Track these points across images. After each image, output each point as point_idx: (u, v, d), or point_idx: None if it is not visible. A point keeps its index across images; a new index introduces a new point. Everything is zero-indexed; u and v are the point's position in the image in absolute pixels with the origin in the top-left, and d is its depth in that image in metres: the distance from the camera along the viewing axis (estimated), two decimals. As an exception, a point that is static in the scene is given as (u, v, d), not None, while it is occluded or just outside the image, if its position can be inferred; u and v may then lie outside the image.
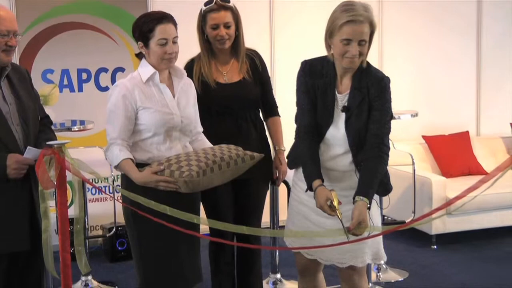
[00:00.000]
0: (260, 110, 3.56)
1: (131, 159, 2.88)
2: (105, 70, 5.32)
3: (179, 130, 2.99)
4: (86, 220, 4.56)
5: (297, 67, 3.00)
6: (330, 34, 2.83)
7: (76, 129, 4.42)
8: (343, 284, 3.12)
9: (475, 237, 5.43)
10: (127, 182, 2.93)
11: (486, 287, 4.44)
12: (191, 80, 3.18)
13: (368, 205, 2.78)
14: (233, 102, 3.34)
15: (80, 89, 5.29)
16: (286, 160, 3.19)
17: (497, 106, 6.44)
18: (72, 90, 5.28)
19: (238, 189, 3.45)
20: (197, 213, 3.08)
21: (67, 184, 2.70)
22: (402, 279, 4.62)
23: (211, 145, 3.10)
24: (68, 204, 2.74)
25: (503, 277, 4.33)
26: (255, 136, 3.46)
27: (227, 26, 3.32)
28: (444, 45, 6.33)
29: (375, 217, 2.97)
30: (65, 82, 5.26)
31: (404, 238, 5.41)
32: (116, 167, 2.89)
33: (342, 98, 2.91)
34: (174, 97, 3.00)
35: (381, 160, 2.87)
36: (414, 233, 5.38)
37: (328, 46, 2.88)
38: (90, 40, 5.25)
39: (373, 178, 2.83)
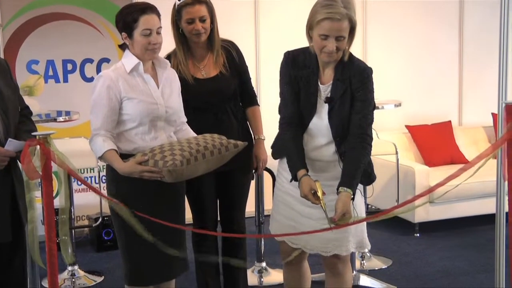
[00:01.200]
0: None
1: (115, 149, 2.87)
2: (90, 60, 5.29)
3: (164, 120, 2.99)
4: (72, 210, 4.55)
5: (281, 58, 3.00)
6: (309, 27, 2.84)
7: (62, 120, 4.40)
8: (328, 272, 3.13)
9: (457, 225, 5.47)
10: (112, 174, 2.92)
11: (468, 273, 4.48)
12: (174, 71, 3.17)
13: (352, 196, 2.79)
14: (213, 97, 3.32)
15: (66, 80, 5.26)
16: (271, 150, 3.19)
17: (479, 96, 6.48)
18: (57, 80, 5.24)
19: (222, 180, 3.45)
20: (181, 204, 3.09)
21: (53, 175, 2.69)
22: (386, 266, 4.65)
23: (195, 135, 3.10)
24: (54, 194, 2.72)
25: (484, 263, 4.37)
26: (236, 127, 3.45)
27: (202, 20, 3.28)
28: (427, 36, 6.35)
29: (359, 206, 2.98)
30: (50, 72, 5.22)
31: (388, 226, 5.44)
32: (100, 158, 2.88)
33: (325, 89, 2.92)
34: (158, 87, 2.99)
35: (364, 150, 2.87)
36: (397, 222, 5.42)
37: (309, 38, 2.88)
38: (75, 30, 5.21)
39: (357, 168, 2.83)
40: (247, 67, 3.55)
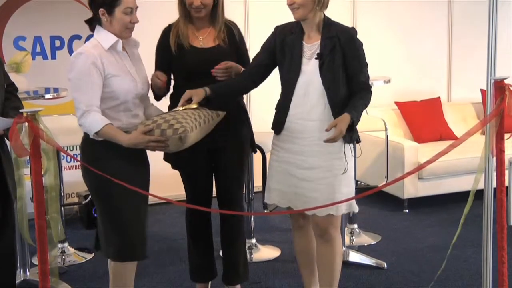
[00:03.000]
0: None
1: (110, 123, 2.85)
2: (78, 37, 5.25)
3: (139, 97, 3.01)
4: (61, 187, 4.54)
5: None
6: None
7: (50, 97, 4.37)
8: (319, 240, 3.27)
9: (445, 201, 5.51)
10: (94, 152, 2.92)
11: (456, 248, 4.51)
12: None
13: (352, 120, 3.01)
14: (207, 66, 3.25)
15: (53, 57, 5.22)
16: (272, 124, 3.27)
17: (467, 72, 6.49)
18: (45, 57, 5.21)
19: (217, 157, 3.43)
20: (147, 184, 3.11)
21: (42, 152, 2.68)
22: (375, 242, 4.69)
23: (163, 112, 3.13)
24: (42, 172, 2.71)
25: (471, 238, 4.40)
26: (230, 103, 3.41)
27: None
28: (417, 12, 6.35)
29: (349, 165, 3.15)
30: (38, 49, 5.18)
31: (377, 203, 5.47)
32: (97, 133, 2.83)
33: (310, 48, 3.11)
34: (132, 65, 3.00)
35: (367, 94, 3.16)
36: (386, 198, 5.45)
37: None
38: (63, 6, 5.16)
39: (359, 100, 3.11)
40: (247, 50, 3.54)
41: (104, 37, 2.92)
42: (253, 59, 3.31)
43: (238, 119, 3.44)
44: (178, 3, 3.36)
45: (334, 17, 3.18)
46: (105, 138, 2.85)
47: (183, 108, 3.00)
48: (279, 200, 3.29)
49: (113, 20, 2.90)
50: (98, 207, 3.02)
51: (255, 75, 3.25)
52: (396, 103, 6.04)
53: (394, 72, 5.83)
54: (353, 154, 3.23)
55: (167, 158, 3.50)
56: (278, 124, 3.22)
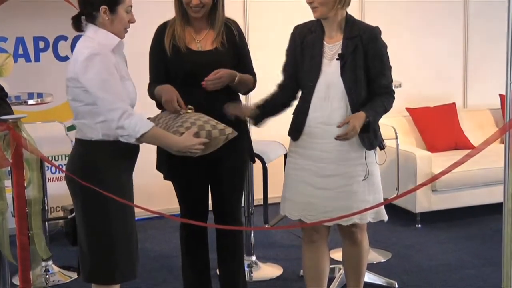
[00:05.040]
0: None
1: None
2: (64, 38, 5.26)
3: (135, 100, 2.99)
4: (45, 200, 4.54)
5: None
6: None
7: (33, 103, 4.38)
8: (345, 241, 3.47)
9: (461, 215, 5.50)
10: (94, 163, 2.87)
11: (473, 266, 4.51)
12: None
13: (367, 119, 3.11)
14: (203, 70, 3.24)
15: (37, 59, 5.23)
16: (289, 130, 3.35)
17: (485, 76, 6.49)
18: (28, 60, 5.21)
19: (213, 167, 3.41)
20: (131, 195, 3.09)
21: (24, 162, 2.68)
22: (385, 260, 4.68)
23: None
24: (25, 184, 2.71)
25: (490, 256, 4.40)
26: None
27: None
28: (430, 11, 6.35)
29: (373, 171, 3.28)
30: (20, 51, 5.19)
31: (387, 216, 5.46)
32: (143, 136, 2.77)
33: (331, 48, 3.20)
34: None
35: (389, 96, 3.27)
36: (397, 212, 5.44)
37: None
38: (47, 5, 5.17)
39: (378, 101, 3.21)
40: (248, 51, 3.51)
41: (104, 37, 2.85)
42: (283, 69, 3.38)
43: (236, 126, 3.41)
44: (175, 1, 3.35)
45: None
46: (149, 142, 2.83)
47: (187, 111, 3.09)
48: (289, 211, 3.36)
49: (115, 19, 2.85)
50: (85, 224, 2.97)
51: (293, 87, 3.34)
52: (408, 109, 6.04)
53: (405, 75, 5.82)
54: (377, 161, 3.32)
55: (159, 167, 3.50)
56: (297, 129, 3.29)
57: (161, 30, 3.38)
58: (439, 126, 5.96)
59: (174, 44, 3.31)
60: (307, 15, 3.27)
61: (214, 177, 3.47)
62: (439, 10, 6.39)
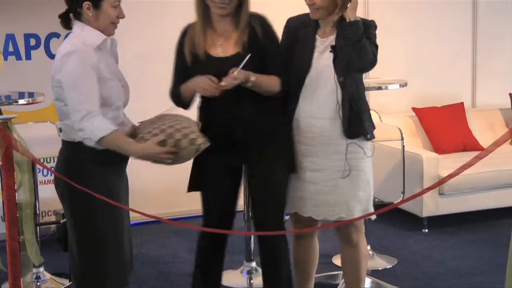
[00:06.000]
0: None
1: (117, 129, 2.82)
2: (56, 35, 5.25)
3: (124, 101, 3.00)
4: (37, 204, 4.53)
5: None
6: None
7: (24, 102, 4.37)
8: (342, 244, 3.53)
9: (470, 220, 5.50)
10: (80, 167, 2.88)
11: (483, 273, 4.51)
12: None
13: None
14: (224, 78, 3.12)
15: (28, 57, 5.23)
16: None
17: (494, 74, 6.50)
18: (18, 58, 5.21)
19: (249, 173, 3.40)
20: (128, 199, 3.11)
21: (15, 164, 2.68)
22: (391, 266, 4.68)
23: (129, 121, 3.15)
24: (15, 187, 2.71)
25: (501, 262, 4.39)
26: (254, 114, 3.25)
27: None
28: (436, 6, 6.35)
29: (366, 170, 3.34)
30: (11, 49, 5.18)
31: (392, 221, 5.46)
32: (101, 140, 2.77)
33: (323, 42, 3.27)
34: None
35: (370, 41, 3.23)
36: (403, 216, 5.44)
37: None
38: (38, 1, 5.17)
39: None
40: (277, 49, 3.30)
41: (89, 35, 2.87)
42: None
43: (274, 125, 3.33)
44: (197, 1, 3.22)
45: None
46: (109, 147, 2.80)
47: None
48: (287, 205, 3.41)
49: (99, 14, 2.86)
50: (74, 229, 2.96)
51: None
52: (414, 109, 6.04)
53: (411, 74, 5.84)
54: (366, 154, 3.34)
55: (193, 183, 3.41)
56: (286, 123, 3.34)
57: (183, 34, 3.29)
58: (446, 127, 5.96)
59: (193, 52, 3.21)
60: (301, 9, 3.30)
61: (251, 183, 3.44)
62: (447, 7, 6.38)
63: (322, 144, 3.29)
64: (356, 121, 3.26)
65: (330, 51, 3.23)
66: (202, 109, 3.32)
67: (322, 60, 3.26)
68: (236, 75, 3.09)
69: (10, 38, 5.18)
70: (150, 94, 4.77)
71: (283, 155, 3.34)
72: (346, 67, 3.20)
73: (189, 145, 2.85)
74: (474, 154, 2.58)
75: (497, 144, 2.58)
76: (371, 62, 3.19)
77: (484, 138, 5.93)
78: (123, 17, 2.91)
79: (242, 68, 3.10)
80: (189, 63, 3.23)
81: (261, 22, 3.25)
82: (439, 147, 5.81)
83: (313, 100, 3.27)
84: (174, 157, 2.86)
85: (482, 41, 6.52)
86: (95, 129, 2.75)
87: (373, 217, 3.45)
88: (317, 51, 3.28)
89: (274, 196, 3.36)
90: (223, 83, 3.07)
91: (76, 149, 2.87)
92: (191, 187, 3.40)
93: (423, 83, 6.22)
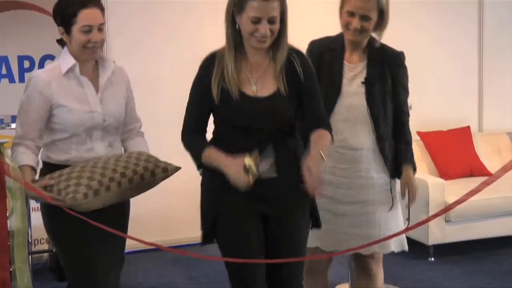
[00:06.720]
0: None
1: (31, 166, 2.89)
2: (51, 57, 5.26)
3: (102, 129, 3.01)
4: (29, 232, 4.52)
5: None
6: (341, 4, 3.26)
7: (17, 126, 4.37)
8: (359, 272, 3.53)
9: (477, 248, 5.49)
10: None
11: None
12: (123, 69, 3.14)
13: (415, 170, 3.43)
14: (259, 120, 2.87)
15: (22, 80, 5.23)
16: None
17: (502, 97, 6.51)
18: (12, 80, 5.22)
19: (270, 228, 2.96)
20: (124, 226, 3.11)
21: (7, 190, 2.67)
22: (396, 296, 4.66)
23: (147, 147, 3.15)
24: (7, 213, 2.70)
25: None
26: (287, 158, 2.92)
27: (272, 21, 2.77)
28: (442, 30, 6.38)
29: (399, 203, 3.47)
30: (4, 71, 5.20)
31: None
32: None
33: (351, 69, 3.31)
34: (97, 92, 3.01)
35: (407, 126, 3.48)
36: (409, 244, 5.39)
37: (340, 17, 3.29)
38: (33, 22, 5.19)
39: (406, 144, 3.47)
40: (314, 86, 2.98)
41: (64, 60, 2.97)
42: None
43: (296, 172, 2.87)
44: (228, 26, 2.89)
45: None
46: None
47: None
48: (310, 239, 3.18)
49: (72, 39, 2.93)
50: (62, 260, 3.04)
51: None
52: (419, 133, 6.04)
53: (416, 97, 5.81)
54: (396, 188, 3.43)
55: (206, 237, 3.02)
56: None
57: (207, 65, 2.92)
58: (452, 151, 5.96)
59: (224, 87, 2.86)
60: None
61: (270, 237, 2.98)
62: (452, 30, 6.41)
63: (357, 176, 3.29)
64: (397, 152, 3.39)
65: (363, 83, 3.27)
66: (217, 146, 2.93)
67: (353, 88, 3.29)
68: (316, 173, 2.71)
69: (3, 60, 5.19)
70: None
71: (308, 207, 3.03)
72: (382, 105, 3.27)
73: (65, 196, 2.78)
74: (481, 179, 2.58)
75: (505, 169, 2.57)
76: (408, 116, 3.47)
77: (492, 163, 5.94)
78: (96, 41, 2.91)
79: (266, 154, 2.81)
80: (216, 99, 2.86)
81: (299, 55, 2.96)
82: (445, 173, 5.81)
83: (345, 129, 3.27)
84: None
85: (488, 64, 6.54)
86: (15, 157, 2.87)
87: (406, 248, 3.52)
88: (346, 78, 3.30)
89: (297, 255, 2.97)
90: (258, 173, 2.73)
91: (44, 169, 2.99)
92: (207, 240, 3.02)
93: (428, 107, 6.23)
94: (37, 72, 2.98)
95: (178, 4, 5.59)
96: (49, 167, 2.95)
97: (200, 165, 2.95)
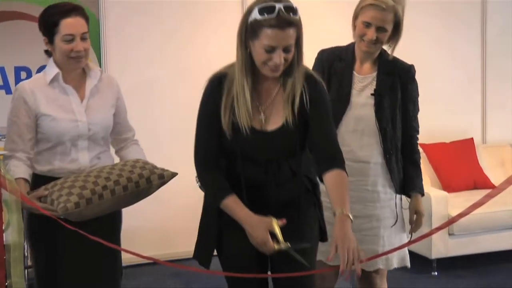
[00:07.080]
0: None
1: (25, 178, 2.91)
2: (47, 68, 5.28)
3: (87, 139, 3.02)
4: (26, 246, 4.50)
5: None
6: (355, 15, 3.24)
7: (13, 138, 4.36)
8: (363, 284, 3.49)
9: (482, 262, 5.48)
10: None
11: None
12: (113, 78, 3.16)
13: (422, 194, 3.37)
14: (266, 152, 2.77)
15: (18, 91, 5.24)
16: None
17: (505, 108, 6.51)
18: (8, 91, 5.22)
19: (274, 258, 2.82)
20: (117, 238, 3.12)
21: (3, 203, 2.67)
22: (398, 311, 4.65)
23: (143, 154, 3.17)
24: (3, 227, 2.70)
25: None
26: (297, 185, 2.84)
27: (287, 50, 2.62)
28: (444, 39, 6.39)
29: (401, 216, 3.41)
30: (0, 82, 5.20)
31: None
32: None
33: (361, 80, 3.29)
34: (82, 101, 3.03)
35: (416, 145, 3.44)
36: (411, 258, 5.37)
37: (353, 28, 3.27)
38: (29, 32, 5.19)
39: (419, 168, 3.41)
40: (328, 115, 2.81)
41: (49, 69, 3.02)
42: None
43: (304, 199, 2.87)
44: (239, 50, 2.70)
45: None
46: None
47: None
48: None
49: (55, 49, 2.97)
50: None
51: None
52: (421, 145, 6.02)
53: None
54: (402, 204, 3.41)
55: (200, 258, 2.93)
56: None
57: (215, 90, 2.74)
58: (456, 164, 5.96)
59: (234, 121, 2.70)
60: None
61: (275, 270, 2.88)
62: (455, 41, 6.42)
63: (363, 190, 3.28)
64: (405, 174, 3.36)
65: (372, 95, 3.26)
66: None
67: (361, 99, 3.28)
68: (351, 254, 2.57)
69: (0, 71, 5.20)
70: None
71: (318, 224, 2.95)
72: (390, 118, 3.26)
73: (57, 206, 2.79)
74: (485, 192, 2.57)
75: (509, 182, 2.57)
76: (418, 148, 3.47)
77: (495, 175, 5.94)
78: (78, 50, 2.93)
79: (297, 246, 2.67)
80: (228, 135, 2.71)
81: (312, 85, 2.77)
82: (448, 185, 5.81)
83: (353, 141, 3.26)
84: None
85: (492, 75, 6.55)
86: (9, 170, 2.90)
87: (408, 263, 3.51)
88: (355, 89, 3.29)
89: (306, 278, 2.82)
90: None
91: (33, 180, 3.00)
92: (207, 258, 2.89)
93: (431, 118, 6.22)
94: (21, 83, 3.03)
95: (175, 8, 5.59)
96: (34, 178, 2.97)
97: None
